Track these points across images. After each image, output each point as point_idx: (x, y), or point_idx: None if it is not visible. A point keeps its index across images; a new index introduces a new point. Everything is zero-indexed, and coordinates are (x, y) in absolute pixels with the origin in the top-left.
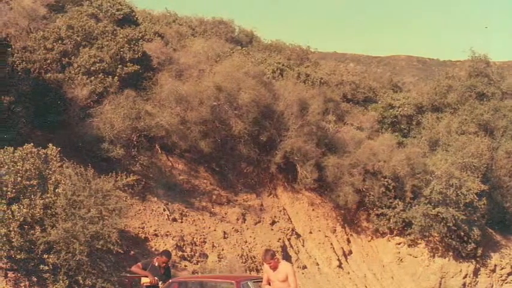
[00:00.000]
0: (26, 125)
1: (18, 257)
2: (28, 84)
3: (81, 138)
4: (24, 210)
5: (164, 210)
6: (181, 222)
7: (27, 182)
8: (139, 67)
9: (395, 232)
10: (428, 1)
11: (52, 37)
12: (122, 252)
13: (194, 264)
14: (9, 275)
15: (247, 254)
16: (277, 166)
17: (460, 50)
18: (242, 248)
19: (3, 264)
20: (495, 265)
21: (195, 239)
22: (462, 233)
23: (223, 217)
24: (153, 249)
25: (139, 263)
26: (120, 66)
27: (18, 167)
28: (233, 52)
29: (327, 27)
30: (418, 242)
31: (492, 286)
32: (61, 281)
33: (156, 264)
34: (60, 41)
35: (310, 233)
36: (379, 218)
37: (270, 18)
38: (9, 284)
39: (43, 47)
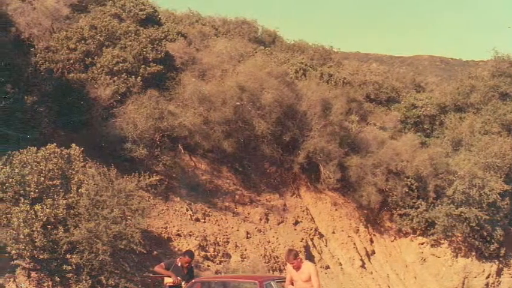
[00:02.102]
0: (49, 125)
1: (41, 257)
2: (51, 84)
3: (104, 138)
4: (47, 210)
5: (187, 210)
6: (204, 222)
7: (50, 182)
8: (162, 67)
9: (418, 232)
10: (451, 1)
11: (75, 37)
12: (144, 252)
13: (217, 264)
14: (32, 275)
15: (270, 254)
16: (300, 166)
17: (483, 50)
18: (265, 248)
19: (26, 264)
20: None
21: (218, 239)
22: (485, 233)
23: (246, 217)
24: (176, 249)
25: (162, 263)
26: (143, 66)
27: (41, 167)
28: (256, 52)
29: (349, 27)
30: (441, 242)
31: None
32: (84, 281)
33: (179, 264)
34: (83, 41)
35: (333, 233)
36: (402, 218)
37: (293, 18)
38: (33, 283)
39: (66, 47)
